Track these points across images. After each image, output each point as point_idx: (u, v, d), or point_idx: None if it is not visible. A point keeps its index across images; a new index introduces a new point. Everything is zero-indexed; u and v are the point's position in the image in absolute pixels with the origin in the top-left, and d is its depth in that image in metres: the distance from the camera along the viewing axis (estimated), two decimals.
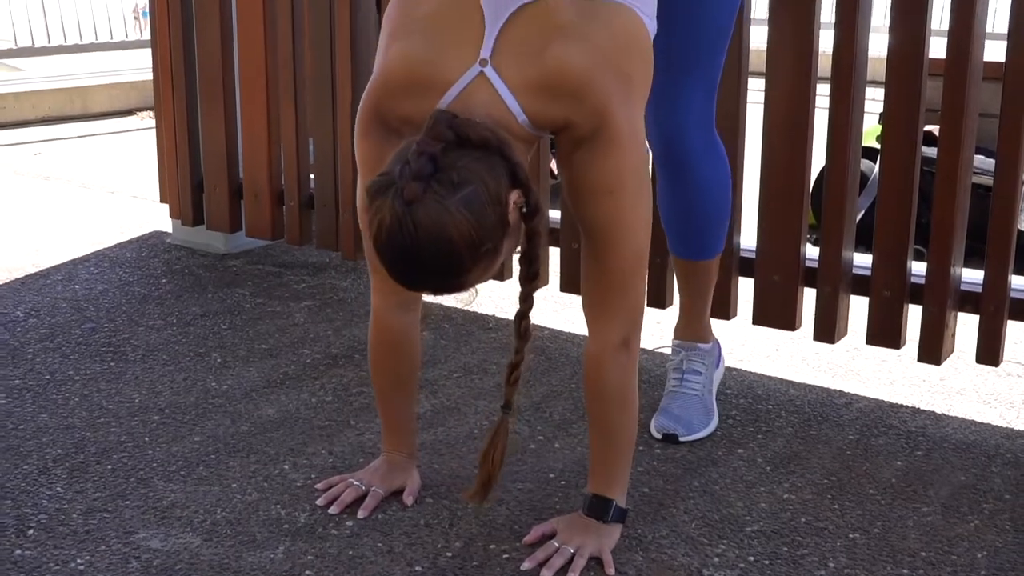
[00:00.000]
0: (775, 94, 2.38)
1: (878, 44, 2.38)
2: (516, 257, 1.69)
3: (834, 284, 2.39)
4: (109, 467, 2.05)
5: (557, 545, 1.75)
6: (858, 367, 2.59)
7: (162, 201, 3.53)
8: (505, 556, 1.77)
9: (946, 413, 2.36)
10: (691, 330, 2.29)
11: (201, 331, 2.76)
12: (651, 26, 1.70)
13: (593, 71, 1.61)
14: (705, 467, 2.09)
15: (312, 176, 3.12)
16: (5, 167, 4.65)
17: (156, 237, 3.58)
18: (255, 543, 1.80)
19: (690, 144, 2.06)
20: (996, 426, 2.31)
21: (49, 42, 6.04)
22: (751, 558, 1.79)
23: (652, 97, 1.78)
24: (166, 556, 1.76)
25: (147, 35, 6.74)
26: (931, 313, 2.31)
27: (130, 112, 5.84)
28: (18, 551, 1.77)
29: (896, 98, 2.28)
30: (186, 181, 3.34)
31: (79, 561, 1.74)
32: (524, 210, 1.58)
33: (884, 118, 2.33)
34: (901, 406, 2.39)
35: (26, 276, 3.18)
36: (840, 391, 2.46)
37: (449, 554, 1.78)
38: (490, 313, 2.88)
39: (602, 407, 1.78)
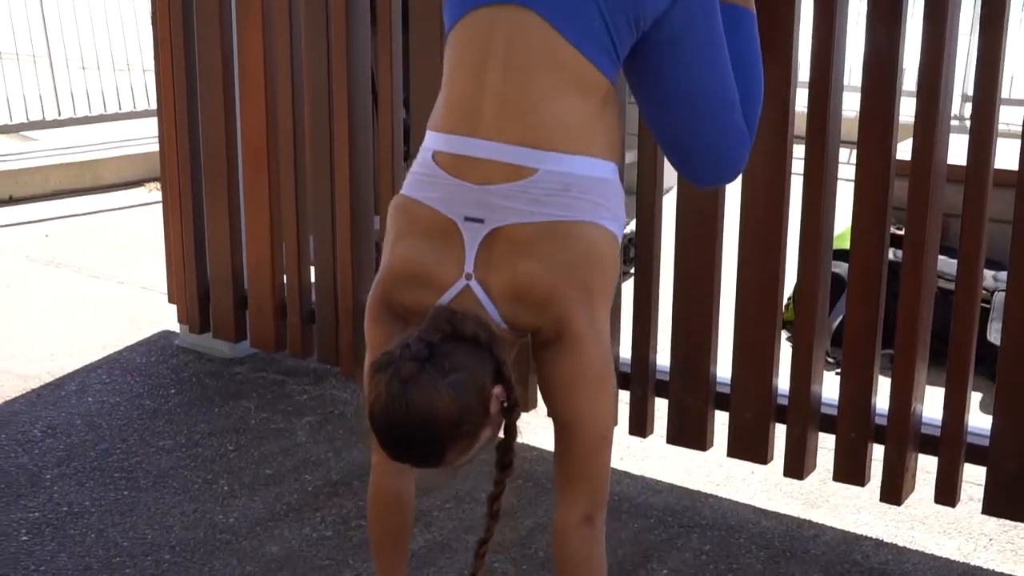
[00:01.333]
0: (747, 247, 2.54)
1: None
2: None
3: (803, 424, 2.55)
4: None
5: None
6: (828, 493, 2.75)
7: (170, 302, 3.70)
8: None
9: (907, 546, 2.52)
10: None
11: (209, 452, 2.92)
12: (615, 227, 1.86)
13: (554, 285, 1.78)
14: None
15: (313, 292, 3.29)
16: (18, 251, 4.82)
17: (165, 338, 3.75)
18: None
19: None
20: (951, 560, 2.47)
21: (60, 115, 6.22)
22: None
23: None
24: None
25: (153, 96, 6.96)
26: (891, 455, 2.47)
27: (138, 183, 6.01)
28: None
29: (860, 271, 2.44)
30: (193, 291, 3.51)
31: None
32: (504, 404, 1.75)
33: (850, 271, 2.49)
34: (866, 538, 2.55)
35: (41, 387, 3.35)
36: (809, 521, 2.62)
37: None
38: None
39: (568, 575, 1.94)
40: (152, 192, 5.93)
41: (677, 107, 1.97)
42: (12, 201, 5.65)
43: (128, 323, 3.91)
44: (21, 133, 6.24)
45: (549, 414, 1.88)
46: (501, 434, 1.81)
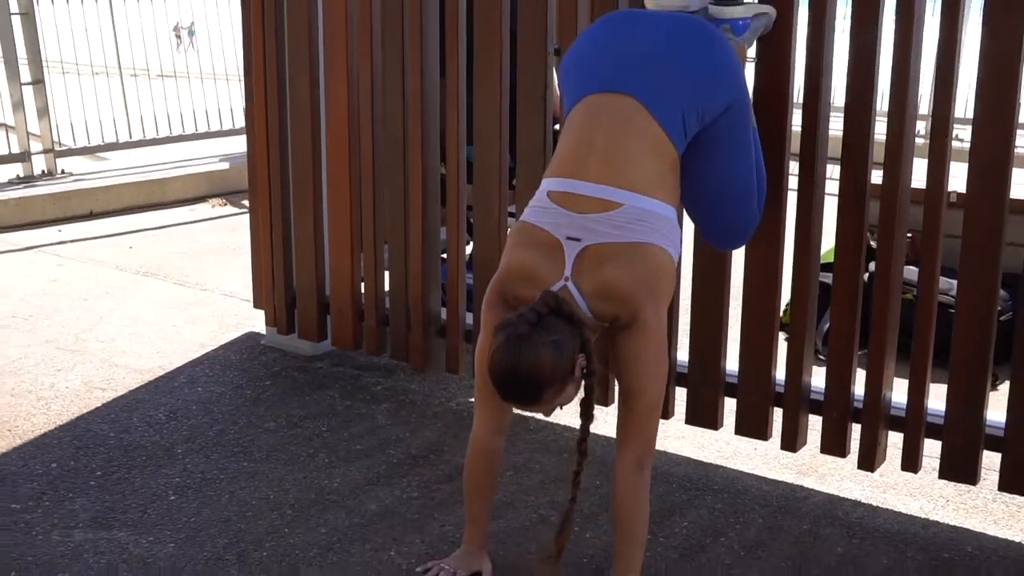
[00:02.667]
0: (750, 264, 3.16)
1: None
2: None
3: (796, 408, 3.17)
4: (264, 554, 2.83)
5: None
6: (817, 464, 3.36)
7: (256, 306, 4.33)
8: None
9: (879, 506, 3.13)
10: None
11: (307, 433, 3.54)
12: (675, 252, 2.53)
13: (632, 286, 2.44)
14: (695, 553, 2.86)
15: (387, 298, 3.91)
16: (107, 261, 5.45)
17: (251, 339, 4.38)
18: None
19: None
20: (916, 517, 3.08)
21: (131, 137, 6.87)
22: None
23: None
24: None
25: (190, 61, 7.61)
26: (867, 433, 3.08)
27: (202, 199, 6.65)
28: None
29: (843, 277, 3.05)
30: (281, 299, 4.13)
31: None
32: (584, 370, 2.39)
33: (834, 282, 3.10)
34: (846, 500, 3.16)
35: (157, 379, 3.97)
36: (801, 487, 3.24)
37: None
38: (531, 415, 3.66)
39: (622, 513, 2.55)
40: (215, 208, 6.57)
41: (711, 189, 2.70)
42: (92, 216, 6.29)
43: (217, 325, 4.54)
44: (96, 154, 6.88)
45: (619, 385, 2.51)
46: (582, 393, 2.46)
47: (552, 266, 2.47)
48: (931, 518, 3.08)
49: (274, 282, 4.16)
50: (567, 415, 3.49)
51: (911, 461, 3.07)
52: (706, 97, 2.55)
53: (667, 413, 3.40)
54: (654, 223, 2.47)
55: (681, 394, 3.37)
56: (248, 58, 4.07)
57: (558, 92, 2.85)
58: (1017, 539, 2.98)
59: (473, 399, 2.77)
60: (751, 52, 2.97)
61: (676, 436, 3.53)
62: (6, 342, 4.32)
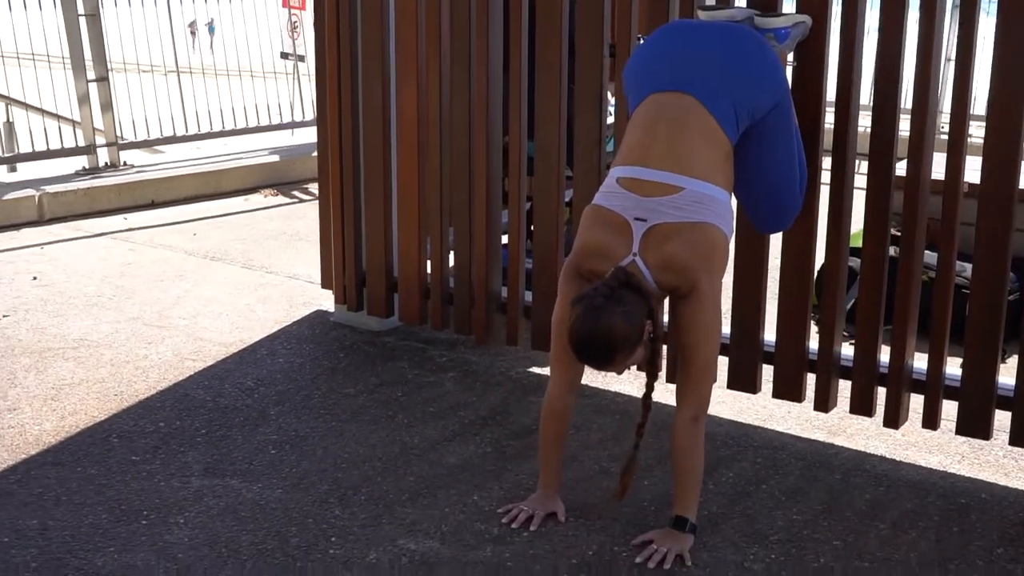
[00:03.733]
0: (787, 248, 3.54)
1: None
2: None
3: (828, 374, 3.55)
4: (363, 497, 3.22)
5: (655, 547, 2.92)
6: (846, 424, 3.75)
7: (324, 287, 4.72)
8: (624, 554, 2.93)
9: (903, 461, 3.52)
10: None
11: (384, 397, 3.93)
12: (728, 231, 2.91)
13: (690, 259, 2.82)
14: (742, 498, 3.25)
15: (451, 277, 4.29)
16: (176, 246, 5.85)
17: (321, 316, 4.77)
18: (471, 546, 2.97)
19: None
20: (935, 470, 3.46)
21: (187, 131, 7.27)
22: (772, 556, 2.95)
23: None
24: (421, 554, 2.93)
25: (207, 58, 8.06)
26: (891, 395, 3.47)
27: (254, 189, 7.05)
28: (330, 551, 2.94)
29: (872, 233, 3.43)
30: (351, 278, 4.52)
31: (371, 557, 2.91)
32: (651, 335, 2.77)
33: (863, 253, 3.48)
34: (873, 455, 3.54)
35: (240, 351, 4.37)
36: (832, 444, 3.62)
37: (590, 552, 2.94)
38: (585, 383, 4.03)
39: (680, 459, 2.94)
40: (267, 197, 6.96)
41: (759, 179, 3.07)
42: (154, 205, 6.69)
43: (288, 304, 4.94)
44: (154, 148, 7.28)
45: (677, 345, 2.89)
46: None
47: (622, 243, 2.85)
48: (949, 471, 3.46)
49: (344, 264, 4.54)
50: (618, 382, 3.88)
51: (931, 420, 3.45)
52: (755, 95, 2.94)
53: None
54: (710, 205, 2.85)
55: (723, 362, 3.74)
56: (321, 57, 4.45)
57: (610, 91, 3.23)
58: None
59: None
60: (790, 57, 3.35)
61: (718, 401, 3.89)
62: (98, 318, 4.71)
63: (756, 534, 3.05)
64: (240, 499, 3.20)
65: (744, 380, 3.72)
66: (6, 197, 6.20)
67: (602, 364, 2.79)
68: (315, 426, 3.69)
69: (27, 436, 3.58)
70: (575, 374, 3.05)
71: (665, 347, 3.46)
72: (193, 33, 14.48)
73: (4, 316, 4.71)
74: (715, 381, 3.01)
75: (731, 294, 3.66)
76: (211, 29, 15.73)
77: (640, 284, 2.78)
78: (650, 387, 2.90)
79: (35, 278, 5.26)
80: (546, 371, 3.75)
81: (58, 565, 2.85)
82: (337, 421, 3.73)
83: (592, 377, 4.02)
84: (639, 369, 2.95)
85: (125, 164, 6.97)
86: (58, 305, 4.88)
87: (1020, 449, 3.44)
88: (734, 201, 3.32)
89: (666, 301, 2.99)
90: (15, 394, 3.91)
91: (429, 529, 3.05)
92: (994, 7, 3.14)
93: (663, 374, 3.25)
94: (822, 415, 3.71)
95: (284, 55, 8.38)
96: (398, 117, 4.27)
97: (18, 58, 7.39)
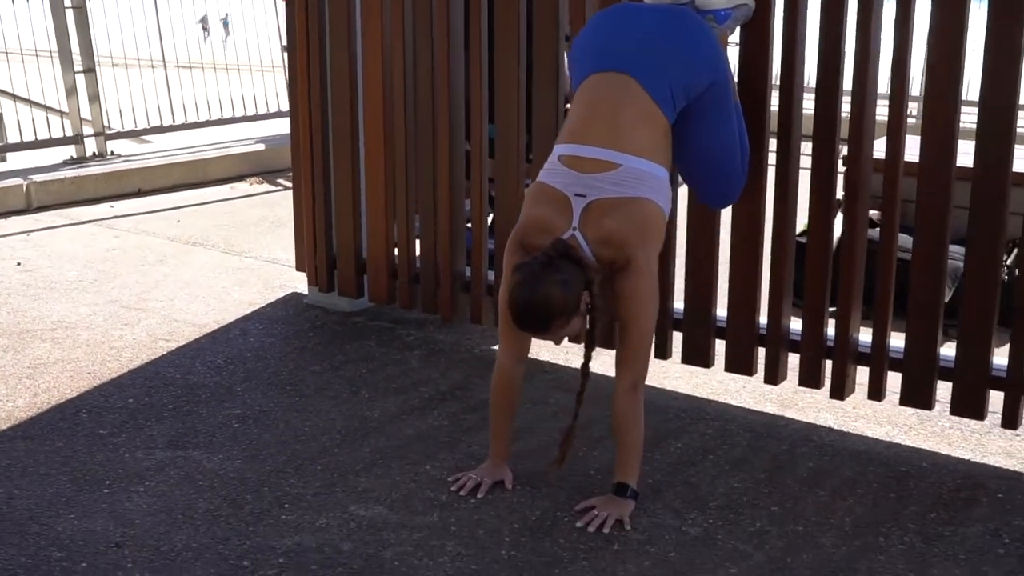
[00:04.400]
0: (736, 227, 3.62)
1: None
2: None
3: (777, 347, 3.64)
4: (319, 467, 3.32)
5: (596, 512, 3.01)
6: (796, 397, 3.83)
7: (298, 269, 4.83)
8: (566, 519, 3.03)
9: (851, 432, 3.60)
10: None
11: (349, 374, 4.03)
12: (665, 206, 2.99)
13: (627, 234, 2.91)
14: (687, 467, 3.34)
15: (418, 258, 4.39)
16: (159, 233, 5.96)
17: (295, 298, 4.87)
18: (419, 512, 3.07)
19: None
20: (881, 440, 3.55)
21: (174, 120, 7.38)
22: (710, 521, 3.04)
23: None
24: (369, 519, 3.03)
25: (217, 53, 8.17)
26: (838, 368, 3.55)
27: (240, 178, 7.16)
28: (282, 516, 3.04)
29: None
30: (323, 261, 4.62)
31: (320, 522, 3.01)
32: (588, 306, 2.87)
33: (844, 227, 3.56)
34: (821, 427, 3.63)
35: (213, 332, 4.47)
36: (782, 416, 3.71)
37: (533, 518, 3.03)
38: (546, 360, 4.14)
39: (621, 426, 3.03)
40: (253, 185, 7.06)
41: (699, 155, 3.16)
42: (140, 193, 6.80)
43: (263, 287, 5.04)
44: (141, 137, 7.39)
45: (615, 316, 2.98)
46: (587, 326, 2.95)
47: (563, 218, 2.95)
48: (894, 441, 3.55)
49: (316, 246, 4.64)
50: (577, 358, 3.96)
51: (876, 391, 3.53)
52: (690, 76, 3.02)
53: (665, 354, 3.88)
54: (647, 181, 2.94)
55: (677, 337, 3.85)
56: (292, 46, 4.55)
57: (568, 76, 3.32)
58: (967, 456, 3.44)
59: (495, 347, 3.26)
60: (733, 38, 3.44)
61: (673, 376, 4.01)
62: (77, 301, 4.82)
63: (697, 500, 3.14)
64: (199, 469, 3.31)
65: (698, 355, 3.80)
66: None
67: (539, 331, 2.88)
68: (279, 401, 3.80)
69: (0, 412, 3.69)
70: (522, 345, 3.15)
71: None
72: (205, 29, 14.65)
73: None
74: (651, 351, 3.10)
75: (684, 271, 3.75)
76: (225, 24, 15.87)
77: (579, 256, 2.87)
78: (587, 356, 3.00)
79: (19, 264, 5.37)
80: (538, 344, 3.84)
81: (20, 531, 2.95)
82: (301, 396, 3.84)
83: (553, 353, 4.12)
84: (576, 341, 3.05)
85: (112, 153, 7.08)
86: (40, 289, 4.99)
87: (966, 420, 3.53)
88: (685, 188, 3.42)
89: None
90: None
91: (380, 496, 3.15)
92: None
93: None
94: (776, 389, 3.80)
95: (285, 48, 8.48)
96: (365, 105, 4.37)
97: (6, 51, 7.50)
